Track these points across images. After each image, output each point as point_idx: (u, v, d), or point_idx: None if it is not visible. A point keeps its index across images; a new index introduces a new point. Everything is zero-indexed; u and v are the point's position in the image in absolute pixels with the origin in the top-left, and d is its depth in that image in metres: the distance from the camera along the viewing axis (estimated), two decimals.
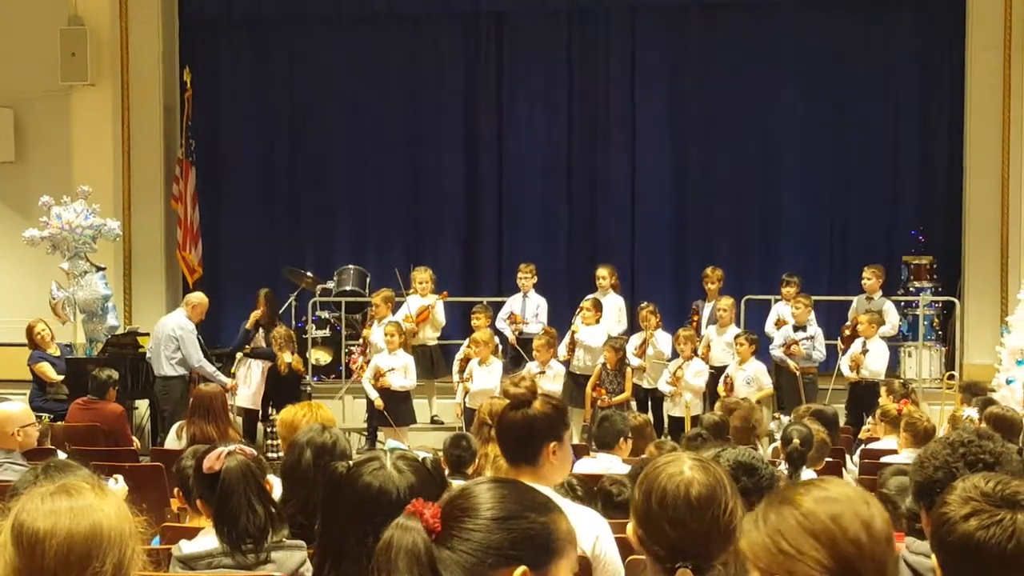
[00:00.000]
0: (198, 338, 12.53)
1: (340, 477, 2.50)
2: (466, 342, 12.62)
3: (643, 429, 8.48)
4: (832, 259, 15.39)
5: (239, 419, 12.09)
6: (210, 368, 12.26)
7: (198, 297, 12.71)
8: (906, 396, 9.50)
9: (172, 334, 12.27)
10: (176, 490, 5.15)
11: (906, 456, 7.65)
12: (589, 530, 3.83)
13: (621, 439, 7.40)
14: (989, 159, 14.20)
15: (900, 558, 3.18)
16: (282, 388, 12.28)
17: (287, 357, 12.34)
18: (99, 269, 13.33)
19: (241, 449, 3.76)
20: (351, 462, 2.54)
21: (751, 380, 11.97)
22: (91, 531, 2.26)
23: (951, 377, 13.06)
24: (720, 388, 11.91)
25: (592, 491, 5.66)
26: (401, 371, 11.88)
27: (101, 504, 2.31)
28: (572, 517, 2.33)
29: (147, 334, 13.39)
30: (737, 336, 12.37)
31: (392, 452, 2.56)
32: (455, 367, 12.62)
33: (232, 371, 12.80)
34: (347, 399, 13.30)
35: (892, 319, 12.77)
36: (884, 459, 8.00)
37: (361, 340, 13.02)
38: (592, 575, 3.89)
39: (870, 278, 13.05)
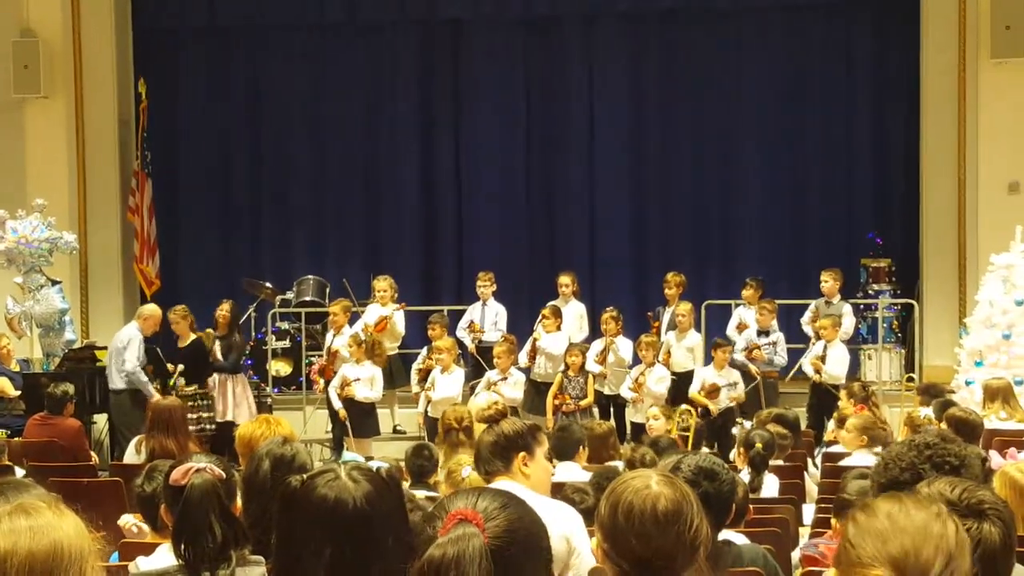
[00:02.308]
0: (155, 350, 12.37)
1: (294, 491, 2.46)
2: (424, 352, 12.58)
3: (607, 438, 8.46)
4: (791, 263, 15.44)
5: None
6: (143, 378, 11.97)
7: (150, 309, 12.46)
8: (866, 399, 9.54)
9: (120, 346, 12.07)
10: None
11: (859, 458, 7.72)
12: (564, 525, 4.03)
13: (580, 448, 7.42)
14: (945, 161, 14.30)
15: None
16: (194, 362, 12.16)
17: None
18: (55, 283, 13.19)
19: (211, 468, 3.71)
20: (305, 475, 2.51)
21: (731, 387, 11.95)
22: (51, 549, 2.26)
23: (910, 379, 13.12)
24: (698, 395, 11.85)
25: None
26: (367, 382, 11.81)
27: (60, 523, 2.31)
28: (546, 511, 2.38)
29: (105, 348, 13.25)
30: (716, 343, 12.32)
31: (346, 463, 2.53)
32: (413, 377, 12.57)
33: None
34: (308, 410, 13.23)
35: (846, 324, 12.75)
36: (843, 462, 8.06)
37: (326, 351, 12.91)
38: (567, 569, 3.98)
39: (828, 281, 13.09)
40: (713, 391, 11.79)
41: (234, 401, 12.38)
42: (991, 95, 14.00)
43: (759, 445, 7.29)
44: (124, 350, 11.97)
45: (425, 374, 12.18)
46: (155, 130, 15.51)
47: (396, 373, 13.10)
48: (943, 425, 7.62)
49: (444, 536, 2.18)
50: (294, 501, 2.46)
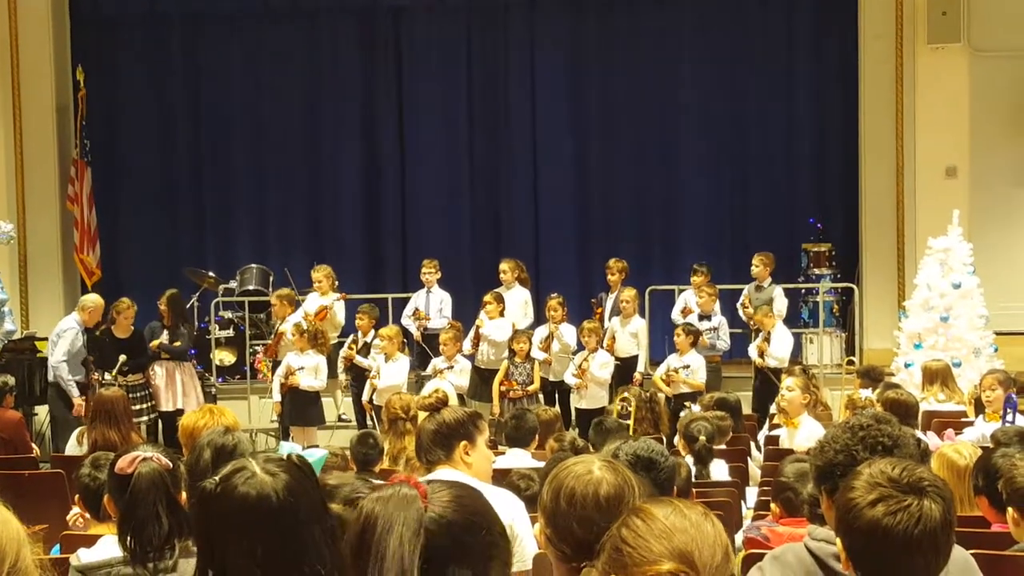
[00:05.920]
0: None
1: (211, 494, 2.38)
2: (348, 340, 12.54)
3: (553, 424, 8.49)
4: (733, 248, 15.52)
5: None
6: (65, 374, 11.71)
7: (93, 301, 12.20)
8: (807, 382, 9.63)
9: (53, 337, 11.86)
10: (77, 497, 5.05)
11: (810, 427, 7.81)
12: (504, 512, 3.87)
13: (535, 436, 7.45)
14: (883, 146, 14.45)
15: (802, 545, 3.21)
16: (135, 353, 12.08)
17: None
18: None
19: (158, 457, 3.69)
20: (218, 476, 2.41)
21: (691, 372, 11.97)
22: None
23: (851, 362, 13.26)
24: (659, 379, 11.91)
25: (501, 485, 5.67)
26: (311, 371, 11.77)
27: None
28: (489, 498, 2.38)
29: (45, 339, 13.11)
30: (677, 328, 12.36)
31: (257, 456, 2.46)
32: (340, 366, 12.54)
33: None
34: (253, 399, 13.16)
35: (779, 305, 12.86)
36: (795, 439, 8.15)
37: (274, 335, 12.87)
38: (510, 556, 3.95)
39: (758, 265, 13.21)
40: (671, 375, 11.85)
41: (183, 390, 12.30)
42: (928, 80, 14.16)
43: (702, 438, 7.21)
44: (56, 342, 11.77)
45: (348, 363, 12.21)
46: (94, 118, 15.33)
47: (336, 362, 13.05)
48: (880, 407, 7.72)
49: (381, 492, 2.22)
50: (213, 504, 2.38)
